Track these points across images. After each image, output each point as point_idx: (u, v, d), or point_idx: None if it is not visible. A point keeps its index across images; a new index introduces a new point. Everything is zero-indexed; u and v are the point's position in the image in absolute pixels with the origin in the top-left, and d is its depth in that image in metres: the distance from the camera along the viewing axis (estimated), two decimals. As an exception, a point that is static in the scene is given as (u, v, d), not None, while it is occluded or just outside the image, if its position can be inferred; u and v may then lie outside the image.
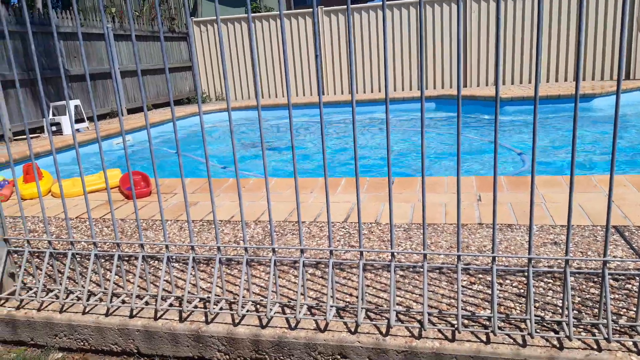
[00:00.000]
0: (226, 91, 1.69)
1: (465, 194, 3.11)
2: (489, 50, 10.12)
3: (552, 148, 5.46)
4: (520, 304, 1.80)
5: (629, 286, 1.88)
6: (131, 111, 9.63)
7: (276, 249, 1.83)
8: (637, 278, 1.94)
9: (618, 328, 1.61)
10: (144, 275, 2.24)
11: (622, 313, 1.70)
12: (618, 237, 2.33)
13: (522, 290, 1.89)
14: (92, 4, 13.16)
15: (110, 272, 2.33)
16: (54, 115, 7.43)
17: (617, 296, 1.81)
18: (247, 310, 1.86)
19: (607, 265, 1.60)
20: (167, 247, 1.96)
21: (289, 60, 10.93)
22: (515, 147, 5.48)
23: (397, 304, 1.84)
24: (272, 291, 1.98)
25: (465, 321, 1.70)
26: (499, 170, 4.55)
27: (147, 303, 1.98)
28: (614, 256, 2.14)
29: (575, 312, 1.72)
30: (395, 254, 2.22)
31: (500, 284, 1.95)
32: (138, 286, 2.13)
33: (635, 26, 9.37)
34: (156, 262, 2.43)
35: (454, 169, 4.75)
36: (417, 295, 1.91)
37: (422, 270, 2.08)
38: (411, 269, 2.14)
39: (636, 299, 1.76)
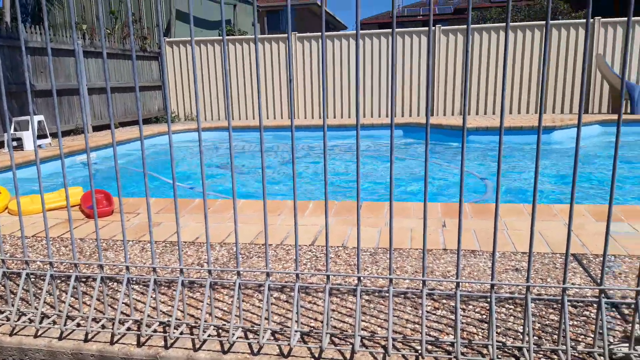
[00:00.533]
0: (197, 111, 1.68)
1: (431, 220, 3.15)
2: (455, 81, 10.42)
3: (514, 177, 5.61)
4: (483, 329, 1.81)
5: (587, 313, 1.93)
6: (97, 128, 9.44)
7: (241, 272, 1.80)
8: (595, 305, 1.99)
9: (576, 354, 1.64)
10: (101, 297, 2.16)
11: (580, 339, 1.73)
12: (577, 265, 2.40)
13: (484, 316, 1.91)
14: (63, 20, 12.97)
15: (66, 293, 2.24)
16: (15, 130, 7.21)
17: (576, 322, 1.85)
18: (209, 335, 1.81)
19: (567, 292, 1.63)
20: (127, 268, 1.90)
21: (260, 83, 10.99)
22: (479, 174, 5.61)
23: (362, 329, 1.83)
24: (236, 315, 1.94)
25: (429, 347, 1.70)
26: (463, 196, 4.63)
27: (103, 326, 1.91)
28: (572, 283, 2.19)
29: (535, 337, 1.75)
30: (361, 278, 2.21)
31: (464, 310, 1.97)
32: (95, 309, 2.05)
33: (595, 63, 9.85)
34: (115, 284, 2.36)
35: (421, 194, 4.82)
36: (382, 320, 1.90)
37: (387, 295, 2.08)
38: (377, 294, 2.14)
39: (594, 326, 1.80)
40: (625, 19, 8.31)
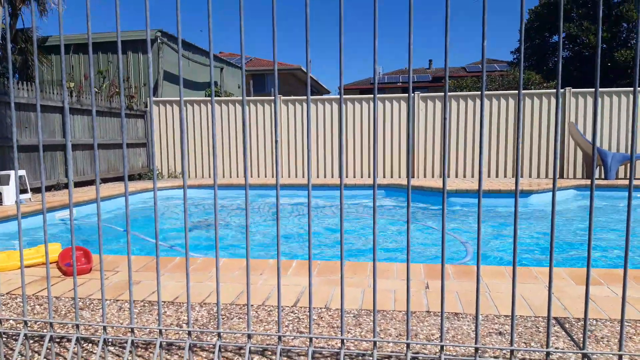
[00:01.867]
0: (183, 170, 1.71)
1: (414, 281, 3.15)
2: (434, 144, 10.72)
3: (494, 239, 5.68)
4: (468, 395, 1.78)
5: (571, 378, 1.92)
6: (78, 184, 9.36)
7: (221, 334, 1.77)
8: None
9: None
10: (76, 358, 2.07)
11: (565, 406, 1.71)
12: (559, 329, 2.40)
13: (469, 381, 1.88)
14: (51, 77, 13.16)
15: (39, 354, 2.14)
16: (-6, 184, 7.11)
17: (560, 388, 1.83)
18: (187, 400, 1.74)
19: (550, 356, 1.63)
20: (104, 328, 1.85)
21: (248, 143, 11.13)
22: (459, 236, 5.66)
23: (345, 394, 1.78)
24: (215, 379, 1.88)
25: (414, 413, 1.66)
26: (445, 260, 4.65)
27: (76, 390, 1.82)
28: (556, 347, 2.19)
29: (521, 404, 1.72)
30: (344, 340, 2.18)
31: (448, 374, 1.94)
32: (68, 371, 1.97)
33: (567, 130, 10.27)
34: (90, 344, 2.27)
35: (402, 255, 4.83)
36: (366, 385, 1.86)
37: (371, 358, 2.04)
38: (360, 357, 2.10)
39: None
40: (600, 89, 8.78)
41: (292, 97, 11.02)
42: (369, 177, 10.94)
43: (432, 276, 3.27)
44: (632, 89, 10.11)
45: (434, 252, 5.04)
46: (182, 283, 3.18)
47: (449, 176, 10.72)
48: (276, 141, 1.74)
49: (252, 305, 2.75)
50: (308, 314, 2.63)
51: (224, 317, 2.60)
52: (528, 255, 4.95)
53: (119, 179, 10.49)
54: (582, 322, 2.48)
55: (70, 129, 9.01)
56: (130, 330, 1.83)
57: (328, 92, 33.59)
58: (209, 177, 11.32)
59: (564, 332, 2.36)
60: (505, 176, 10.59)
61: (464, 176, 10.72)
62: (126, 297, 2.92)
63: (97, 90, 11.26)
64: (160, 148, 11.43)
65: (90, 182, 9.53)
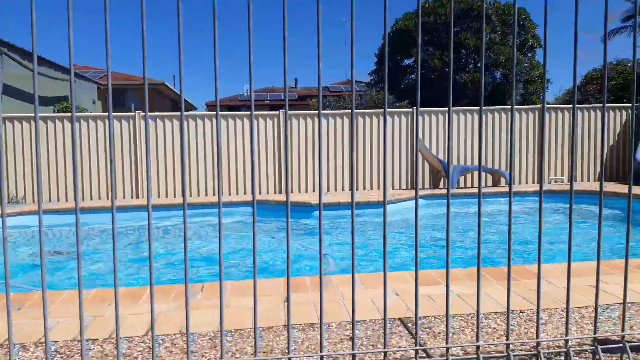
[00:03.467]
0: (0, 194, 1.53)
1: (273, 297, 3.17)
2: (307, 161, 11.02)
3: (344, 247, 5.97)
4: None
5: (410, 374, 2.08)
6: None
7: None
8: (416, 365, 2.15)
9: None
10: None
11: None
12: (403, 328, 2.59)
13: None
14: None
15: None
16: None
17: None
18: None
19: (391, 355, 1.75)
20: None
21: (79, 162, 10.37)
22: (312, 247, 5.86)
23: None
24: None
25: None
26: (304, 272, 4.78)
27: None
28: (399, 346, 2.36)
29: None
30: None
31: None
32: None
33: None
34: None
35: (266, 272, 4.86)
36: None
37: (222, 379, 2.00)
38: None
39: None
40: (440, 108, 9.62)
41: (162, 113, 10.55)
42: (241, 193, 10.86)
43: (292, 289, 3.32)
44: (471, 108, 11.47)
45: (301, 265, 5.15)
46: (16, 321, 2.83)
47: (307, 190, 11.07)
48: (111, 160, 1.65)
49: (96, 339, 2.55)
50: (160, 342, 2.51)
51: (63, 355, 2.36)
52: (375, 263, 5.29)
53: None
54: (423, 320, 2.71)
55: None
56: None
57: (195, 109, 32.82)
58: (57, 200, 10.31)
59: (406, 331, 2.56)
60: (364, 188, 11.25)
61: (335, 189, 11.15)
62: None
63: None
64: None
65: None
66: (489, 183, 11.44)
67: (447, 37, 20.81)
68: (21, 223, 8.11)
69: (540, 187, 2.13)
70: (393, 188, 11.35)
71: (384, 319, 1.71)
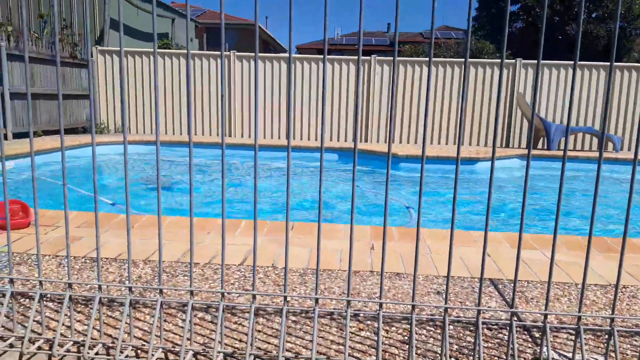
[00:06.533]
0: (123, 122, 1.64)
1: (360, 243, 3.22)
2: (389, 109, 10.80)
3: (438, 205, 5.86)
4: (404, 350, 1.87)
5: (501, 335, 2.04)
6: (17, 136, 8.86)
7: (164, 290, 1.75)
8: (508, 328, 2.10)
9: (489, 374, 1.72)
10: (10, 315, 2.01)
11: None
12: (493, 290, 2.54)
13: (406, 337, 1.97)
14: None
15: (-31, 311, 2.06)
16: None
17: (490, 345, 1.95)
18: (127, 356, 1.74)
19: (481, 314, 1.73)
20: (40, 283, 1.79)
21: (193, 99, 10.82)
22: (405, 202, 5.80)
23: (287, 350, 1.82)
24: (156, 335, 1.87)
25: (352, 367, 1.73)
26: (391, 221, 4.78)
27: (11, 345, 1.77)
28: (488, 306, 2.32)
29: (452, 359, 1.82)
30: (288, 298, 2.21)
31: (387, 331, 2.02)
32: (2, 326, 1.91)
33: (515, 101, 10.58)
34: (27, 300, 2.20)
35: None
36: (307, 341, 1.91)
37: (313, 315, 2.09)
38: (304, 314, 2.15)
39: (506, 347, 1.91)
40: (544, 61, 8.94)
41: (245, 53, 10.72)
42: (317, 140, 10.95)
43: (378, 237, 3.35)
44: (583, 62, 10.49)
45: (381, 214, 5.16)
46: (125, 240, 3.11)
47: (400, 141, 10.88)
48: (222, 95, 1.69)
49: (198, 263, 2.74)
50: (252, 271, 2.65)
51: (168, 274, 2.57)
52: (469, 220, 5.15)
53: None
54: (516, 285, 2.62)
55: (7, 76, 8.43)
56: (68, 285, 1.78)
57: (284, 50, 32.93)
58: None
59: (497, 293, 2.50)
60: (454, 143, 10.86)
61: (415, 142, 10.90)
62: (66, 253, 2.83)
63: (37, 36, 10.54)
64: (107, 101, 10.93)
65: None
66: (594, 147, 10.59)
67: (561, -18, 18.86)
68: (132, 150, 8.78)
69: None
70: (486, 145, 10.85)
71: (481, 277, 1.67)
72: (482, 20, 22.45)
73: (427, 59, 9.98)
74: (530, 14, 19.37)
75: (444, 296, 2.40)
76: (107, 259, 2.76)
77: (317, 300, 1.73)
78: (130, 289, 1.75)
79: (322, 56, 10.27)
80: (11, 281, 1.80)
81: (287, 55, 10.91)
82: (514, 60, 10.54)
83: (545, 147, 10.05)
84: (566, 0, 19.15)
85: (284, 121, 10.92)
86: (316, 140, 10.80)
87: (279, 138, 10.92)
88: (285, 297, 1.73)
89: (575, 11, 19.84)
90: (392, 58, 10.81)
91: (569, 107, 1.59)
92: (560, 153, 9.37)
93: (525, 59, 10.64)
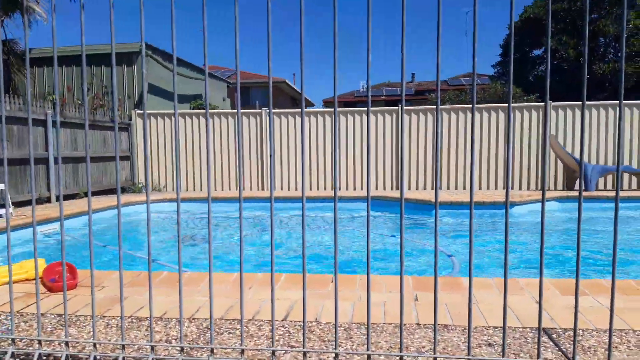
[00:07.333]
0: (176, 182, 1.70)
1: (404, 293, 3.16)
2: (418, 157, 10.82)
3: (480, 250, 5.73)
4: (461, 407, 1.79)
5: (561, 388, 1.94)
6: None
7: (214, 349, 1.76)
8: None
9: None
10: (63, 377, 2.03)
11: (556, 416, 1.73)
12: (547, 340, 2.43)
13: (461, 393, 1.90)
14: (33, 90, 12.99)
15: (24, 374, 2.10)
16: (-27, 199, 6.97)
17: (550, 399, 1.85)
18: (179, 417, 1.72)
19: (540, 366, 1.66)
20: (94, 345, 1.82)
21: (224, 155, 11.11)
22: (446, 250, 5.70)
23: (339, 409, 1.78)
24: (207, 395, 1.86)
25: None
26: (431, 271, 4.68)
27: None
28: (545, 358, 2.22)
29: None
30: (337, 355, 2.18)
31: (441, 387, 1.95)
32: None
33: (548, 142, 10.45)
34: (78, 362, 2.23)
35: (389, 269, 4.85)
36: (359, 399, 1.85)
37: (363, 372, 2.04)
38: (352, 371, 2.10)
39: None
40: (574, 102, 8.91)
41: (278, 110, 11.05)
42: (357, 189, 10.97)
43: (420, 288, 3.29)
44: (611, 102, 10.38)
45: (420, 265, 5.07)
46: (170, 298, 3.15)
47: (433, 188, 10.82)
48: (271, 155, 1.75)
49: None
50: (298, 328, 2.62)
51: (214, 332, 2.57)
52: (513, 267, 5.01)
53: (102, 192, 10.37)
54: (569, 333, 2.51)
55: (53, 142, 8.89)
56: (120, 347, 1.81)
57: (312, 105, 33.76)
58: (194, 190, 11.25)
59: (551, 343, 2.40)
60: (488, 188, 10.72)
61: (448, 188, 10.82)
62: (113, 313, 2.88)
63: (80, 102, 11.16)
64: (144, 161, 11.35)
65: (73, 196, 9.39)
66: (634, 186, 10.28)
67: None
68: (164, 209, 8.99)
69: None
70: (520, 189, 10.68)
71: (539, 327, 1.62)
72: (506, 65, 22.62)
73: (459, 106, 9.99)
74: (555, 56, 19.46)
75: (497, 348, 2.32)
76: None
77: (369, 356, 1.70)
78: (182, 348, 1.76)
79: (358, 109, 10.38)
80: (66, 344, 1.84)
81: (320, 109, 11.18)
82: (542, 103, 10.50)
83: (585, 188, 9.81)
84: (592, 42, 19.20)
85: (327, 172, 11.04)
86: (359, 189, 10.83)
87: (325, 189, 10.99)
88: (336, 354, 1.71)
89: (601, 50, 19.86)
90: (419, 107, 10.94)
91: (617, 146, 1.58)
92: (601, 193, 9.12)
93: (554, 101, 10.60)
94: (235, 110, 10.97)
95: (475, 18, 1.73)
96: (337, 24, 1.79)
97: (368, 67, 1.75)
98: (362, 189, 10.94)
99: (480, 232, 6.86)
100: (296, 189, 11.06)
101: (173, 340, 2.44)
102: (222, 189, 11.22)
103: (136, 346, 2.38)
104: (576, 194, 9.05)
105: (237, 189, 11.17)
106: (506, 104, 10.96)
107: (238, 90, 1.87)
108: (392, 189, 10.96)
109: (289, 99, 29.92)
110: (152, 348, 1.77)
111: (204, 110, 11.85)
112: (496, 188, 10.72)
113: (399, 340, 2.44)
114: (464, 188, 10.77)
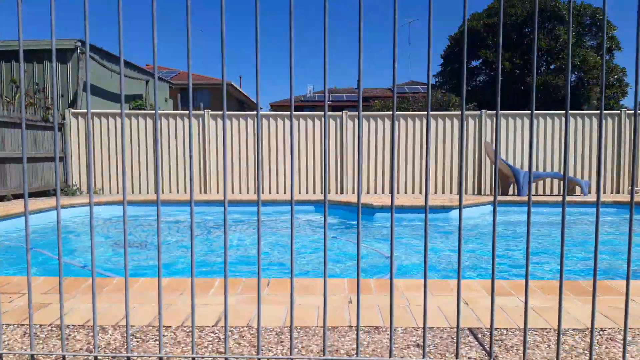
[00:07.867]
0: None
1: (337, 297, 3.17)
2: (377, 163, 10.97)
3: (418, 253, 5.86)
4: (385, 408, 1.80)
5: (482, 386, 2.00)
6: (-17, 201, 8.63)
7: (131, 358, 1.68)
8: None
9: None
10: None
11: (475, 413, 1.78)
12: (472, 339, 2.51)
13: (386, 394, 1.91)
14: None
15: None
16: None
17: (471, 396, 1.90)
18: None
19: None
20: (0, 356, 1.70)
21: (164, 157, 10.82)
22: (384, 252, 5.79)
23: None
24: (125, 406, 1.77)
25: None
26: (369, 274, 4.74)
27: None
28: (468, 357, 2.28)
29: (434, 414, 1.77)
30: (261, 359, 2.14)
31: (367, 388, 1.96)
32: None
33: (483, 149, 10.89)
34: (-15, 376, 2.07)
35: (325, 272, 4.86)
36: (284, 404, 1.83)
37: (290, 376, 2.02)
38: (280, 376, 2.07)
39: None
40: (508, 112, 9.33)
41: (219, 112, 10.87)
42: (287, 192, 10.96)
43: (355, 290, 3.31)
44: (545, 112, 10.96)
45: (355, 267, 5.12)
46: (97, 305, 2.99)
47: (375, 192, 11.00)
48: (191, 156, 1.70)
49: (170, 326, 2.65)
50: (230, 333, 2.56)
51: (139, 339, 2.47)
52: (447, 268, 5.15)
53: (34, 194, 9.81)
54: (495, 333, 2.60)
55: (-25, 141, 8.31)
56: (31, 357, 1.69)
57: (260, 109, 33.47)
58: (131, 192, 10.86)
59: (476, 342, 2.47)
60: (420, 192, 11.02)
61: (389, 192, 11.03)
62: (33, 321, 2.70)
63: (8, 100, 10.51)
64: (79, 162, 10.83)
65: (0, 199, 8.83)
66: (561, 191, 10.87)
67: (519, 38, 20.06)
68: (99, 213, 8.61)
69: (632, 197, 1.99)
70: (452, 194, 11.04)
71: (457, 327, 1.66)
72: (446, 75, 23.43)
73: (385, 113, 10.26)
74: (492, 67, 20.36)
75: (427, 349, 2.36)
76: (74, 325, 2.64)
77: None
78: (96, 358, 1.67)
79: (300, 113, 10.40)
80: (-32, 355, 1.70)
81: (263, 113, 11.10)
82: (479, 112, 10.95)
83: (516, 193, 10.29)
84: (525, 54, 20.24)
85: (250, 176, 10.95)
86: (299, 193, 10.81)
87: (253, 193, 10.91)
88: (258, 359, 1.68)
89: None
90: (365, 113, 11.10)
91: (529, 153, 1.64)
92: (532, 198, 9.58)
93: (490, 110, 11.06)
94: (181, 112, 10.69)
95: (395, 25, 1.75)
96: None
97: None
98: (312, 192, 10.94)
99: (417, 237, 7.02)
100: (240, 192, 10.91)
101: (93, 349, 2.32)
102: (163, 192, 10.88)
103: (53, 355, 2.24)
104: (510, 198, 9.48)
105: (178, 192, 10.87)
106: (443, 112, 11.23)
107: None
108: (336, 192, 11.04)
109: (235, 100, 29.58)
110: (64, 358, 1.67)
111: (144, 111, 11.47)
112: (443, 193, 11.04)
113: (329, 343, 2.44)
114: (413, 192, 11.01)
